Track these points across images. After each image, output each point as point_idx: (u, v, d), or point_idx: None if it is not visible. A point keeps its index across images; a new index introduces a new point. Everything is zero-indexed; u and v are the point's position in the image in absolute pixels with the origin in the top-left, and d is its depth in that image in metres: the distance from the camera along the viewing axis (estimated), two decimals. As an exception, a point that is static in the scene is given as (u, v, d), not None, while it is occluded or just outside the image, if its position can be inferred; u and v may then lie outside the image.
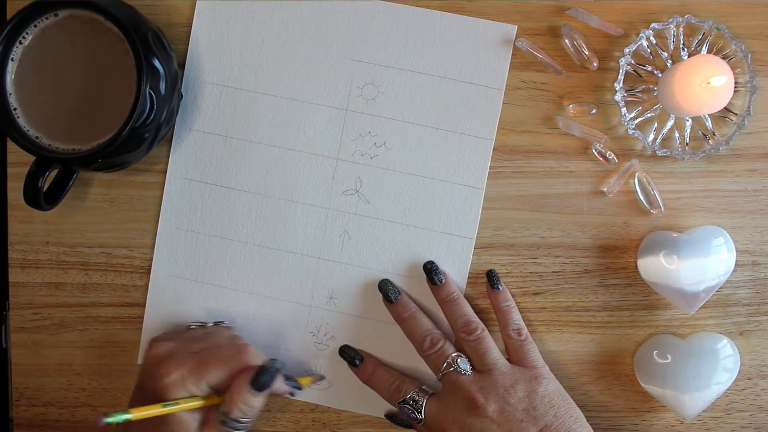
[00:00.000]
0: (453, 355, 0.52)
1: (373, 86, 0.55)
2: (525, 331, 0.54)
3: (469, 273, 0.56)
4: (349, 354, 0.56)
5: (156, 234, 0.57)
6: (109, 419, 0.44)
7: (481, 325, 0.53)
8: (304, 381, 0.55)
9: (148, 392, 0.49)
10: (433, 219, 0.56)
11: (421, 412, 0.52)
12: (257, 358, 0.51)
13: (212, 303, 0.57)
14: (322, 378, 0.56)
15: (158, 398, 0.48)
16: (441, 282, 0.55)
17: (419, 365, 0.55)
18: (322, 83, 0.55)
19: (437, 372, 0.53)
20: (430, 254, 0.56)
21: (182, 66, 0.56)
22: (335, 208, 0.56)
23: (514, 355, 0.53)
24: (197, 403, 0.49)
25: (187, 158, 0.56)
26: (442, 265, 0.55)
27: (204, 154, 0.56)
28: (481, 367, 0.52)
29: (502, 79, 0.55)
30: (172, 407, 0.48)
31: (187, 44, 0.56)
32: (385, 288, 0.55)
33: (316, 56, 0.55)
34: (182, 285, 0.57)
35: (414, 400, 0.52)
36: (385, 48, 0.55)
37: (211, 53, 0.55)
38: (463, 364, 0.52)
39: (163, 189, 0.56)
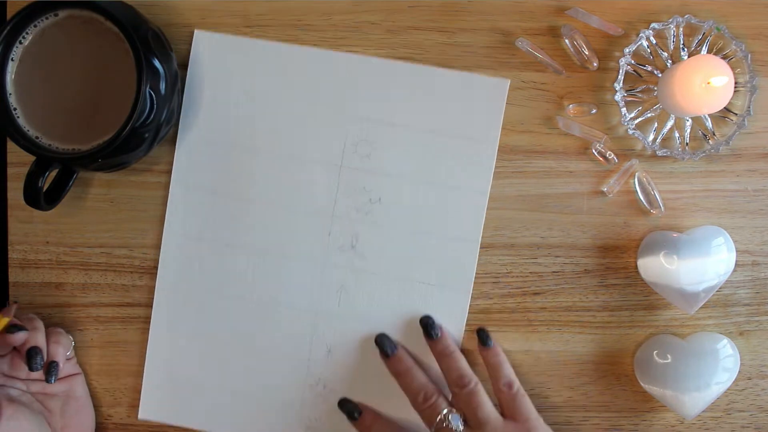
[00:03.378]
0: (445, 411, 0.52)
1: (367, 142, 0.55)
2: (516, 384, 0.54)
3: (474, 274, 0.56)
4: (347, 407, 0.56)
5: (160, 237, 0.57)
6: None
7: (475, 378, 0.53)
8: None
9: None
10: (429, 273, 0.56)
11: None
12: None
13: (210, 357, 0.57)
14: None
15: None
16: (437, 336, 0.55)
17: (417, 418, 0.54)
18: (317, 140, 0.55)
19: (430, 427, 0.52)
20: (427, 308, 0.56)
21: (184, 65, 0.55)
22: (331, 263, 0.56)
23: (507, 408, 0.53)
24: None
25: (184, 217, 0.56)
26: (439, 318, 0.55)
27: (199, 211, 0.56)
28: (473, 422, 0.52)
29: (495, 134, 0.55)
30: None
31: (188, 44, 0.56)
32: (382, 342, 0.55)
33: (311, 113, 0.55)
34: (180, 339, 0.57)
35: None
36: (379, 104, 0.55)
37: (205, 111, 0.55)
38: (455, 421, 0.52)
39: (163, 189, 0.56)
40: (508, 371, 0.54)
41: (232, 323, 0.57)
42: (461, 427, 0.52)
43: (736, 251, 0.54)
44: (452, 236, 0.55)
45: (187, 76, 0.55)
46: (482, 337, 0.55)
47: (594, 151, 0.55)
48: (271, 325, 0.56)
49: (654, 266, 0.53)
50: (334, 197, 0.55)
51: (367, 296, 0.56)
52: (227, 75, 0.55)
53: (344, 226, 0.56)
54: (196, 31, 0.55)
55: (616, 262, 0.56)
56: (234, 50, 0.55)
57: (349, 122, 0.55)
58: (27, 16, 0.49)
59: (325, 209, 0.56)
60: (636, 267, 0.55)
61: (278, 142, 0.55)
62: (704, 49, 0.54)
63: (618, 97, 0.54)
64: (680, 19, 0.53)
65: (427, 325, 0.55)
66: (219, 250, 0.56)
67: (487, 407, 0.52)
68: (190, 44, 0.56)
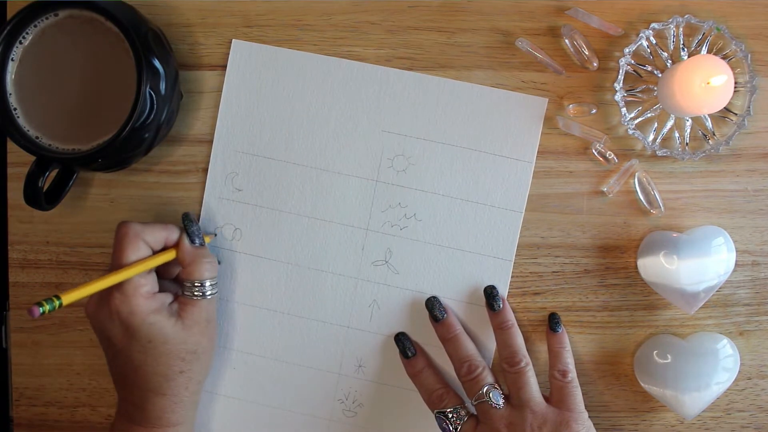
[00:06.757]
0: (487, 386, 0.52)
1: (403, 157, 0.55)
2: (571, 374, 0.53)
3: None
4: (403, 343, 0.55)
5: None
6: (43, 309, 0.44)
7: (527, 359, 0.53)
8: (206, 239, 0.55)
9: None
10: (463, 290, 0.56)
11: (456, 430, 0.52)
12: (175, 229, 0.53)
13: (241, 370, 0.57)
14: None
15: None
16: (499, 308, 0.55)
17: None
18: (353, 154, 0.55)
19: (471, 398, 0.52)
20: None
21: (183, 65, 0.56)
22: (365, 278, 0.56)
23: (556, 395, 0.53)
24: (133, 270, 0.49)
25: (217, 226, 0.56)
26: (473, 336, 0.55)
27: (232, 221, 0.56)
28: (515, 401, 0.52)
29: (532, 152, 0.55)
30: (101, 281, 0.48)
31: (188, 44, 0.56)
32: (432, 306, 0.55)
33: (347, 127, 0.55)
34: None
35: (452, 416, 0.52)
36: (416, 119, 0.55)
37: (241, 123, 0.56)
38: (495, 398, 0.51)
39: (163, 189, 0.56)
40: (568, 360, 0.54)
41: (262, 334, 0.57)
42: (501, 404, 0.51)
43: (736, 251, 0.54)
44: (486, 254, 0.55)
45: (224, 86, 0.55)
46: (552, 321, 0.55)
47: (594, 151, 0.55)
48: (301, 338, 0.56)
49: (654, 266, 0.53)
50: (368, 211, 0.55)
51: (399, 311, 0.56)
52: (264, 85, 0.55)
53: (378, 241, 0.56)
54: (234, 41, 0.55)
55: (616, 262, 0.56)
56: (271, 60, 0.55)
57: (385, 136, 0.55)
58: (27, 16, 0.49)
59: (360, 223, 0.56)
60: (636, 267, 0.55)
61: (314, 155, 0.55)
62: (704, 49, 0.54)
63: (618, 97, 0.54)
64: (680, 19, 0.53)
65: (491, 295, 0.55)
66: (252, 262, 0.56)
67: (532, 389, 0.52)
68: (190, 44, 0.56)
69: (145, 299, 0.49)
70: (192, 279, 0.51)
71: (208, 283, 0.51)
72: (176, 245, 0.52)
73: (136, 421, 0.51)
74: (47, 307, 0.44)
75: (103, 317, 0.50)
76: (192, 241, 0.52)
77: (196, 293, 0.51)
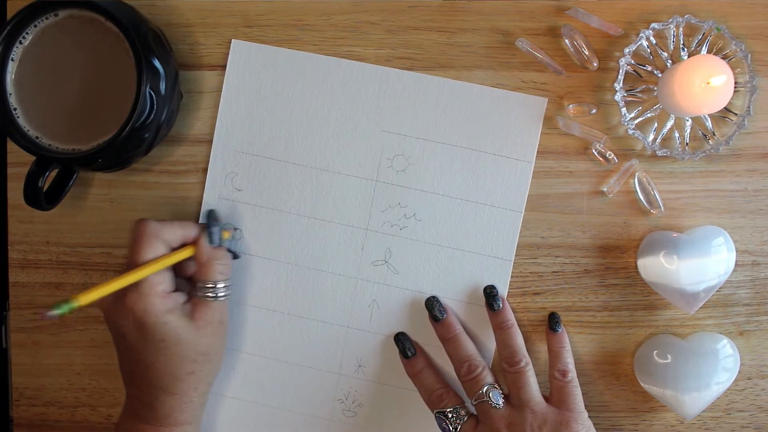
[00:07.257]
0: (487, 386, 0.52)
1: (403, 157, 0.55)
2: (571, 374, 0.53)
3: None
4: (403, 343, 0.55)
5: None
6: (56, 311, 0.44)
7: (526, 359, 0.53)
8: (226, 235, 0.55)
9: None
10: (463, 290, 0.56)
11: (456, 430, 0.52)
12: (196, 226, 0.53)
13: (241, 370, 0.57)
14: (234, 229, 0.56)
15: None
16: (498, 308, 0.55)
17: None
18: (353, 154, 0.55)
19: (471, 398, 0.52)
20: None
21: (183, 65, 0.56)
22: (364, 278, 0.56)
23: (556, 395, 0.53)
24: (149, 269, 0.49)
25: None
26: (473, 336, 0.55)
27: (232, 221, 0.56)
28: (515, 401, 0.52)
29: (532, 152, 0.55)
30: (117, 281, 0.48)
31: (187, 44, 0.56)
32: (432, 306, 0.55)
33: (347, 127, 0.55)
34: None
35: (452, 416, 0.52)
36: (416, 119, 0.55)
37: (241, 123, 0.56)
38: (495, 397, 0.51)
39: (163, 189, 0.56)
40: (567, 359, 0.54)
41: (262, 334, 0.57)
42: (501, 404, 0.51)
43: (736, 251, 0.54)
44: (486, 254, 0.55)
45: (224, 86, 0.55)
46: (552, 321, 0.55)
47: (594, 151, 0.55)
48: (301, 338, 0.56)
49: (654, 266, 0.53)
50: (368, 211, 0.55)
51: (399, 311, 0.56)
52: (263, 85, 0.55)
53: (378, 241, 0.56)
54: (233, 41, 0.55)
55: (616, 262, 0.56)
56: (271, 60, 0.55)
57: (385, 136, 0.55)
58: (27, 16, 0.49)
59: (359, 223, 0.56)
60: (636, 267, 0.55)
61: (313, 155, 0.55)
62: (704, 49, 0.54)
63: (618, 97, 0.54)
64: (680, 19, 0.53)
65: (490, 295, 0.55)
66: (251, 262, 0.56)
67: (532, 388, 0.52)
68: (190, 44, 0.56)
69: (161, 298, 0.49)
70: (205, 279, 0.51)
71: (221, 285, 0.52)
72: (194, 243, 0.52)
73: (145, 419, 0.51)
74: (65, 309, 0.45)
75: (118, 314, 0.50)
76: (211, 241, 0.52)
77: (209, 294, 0.51)
